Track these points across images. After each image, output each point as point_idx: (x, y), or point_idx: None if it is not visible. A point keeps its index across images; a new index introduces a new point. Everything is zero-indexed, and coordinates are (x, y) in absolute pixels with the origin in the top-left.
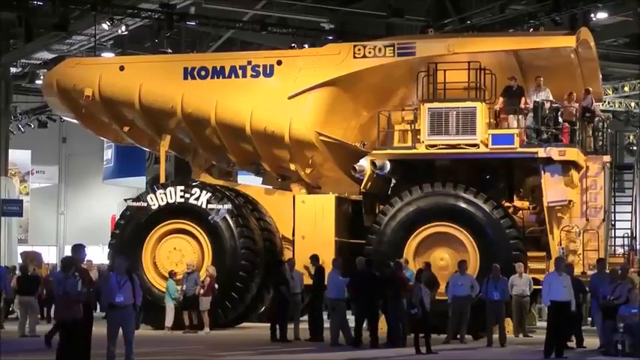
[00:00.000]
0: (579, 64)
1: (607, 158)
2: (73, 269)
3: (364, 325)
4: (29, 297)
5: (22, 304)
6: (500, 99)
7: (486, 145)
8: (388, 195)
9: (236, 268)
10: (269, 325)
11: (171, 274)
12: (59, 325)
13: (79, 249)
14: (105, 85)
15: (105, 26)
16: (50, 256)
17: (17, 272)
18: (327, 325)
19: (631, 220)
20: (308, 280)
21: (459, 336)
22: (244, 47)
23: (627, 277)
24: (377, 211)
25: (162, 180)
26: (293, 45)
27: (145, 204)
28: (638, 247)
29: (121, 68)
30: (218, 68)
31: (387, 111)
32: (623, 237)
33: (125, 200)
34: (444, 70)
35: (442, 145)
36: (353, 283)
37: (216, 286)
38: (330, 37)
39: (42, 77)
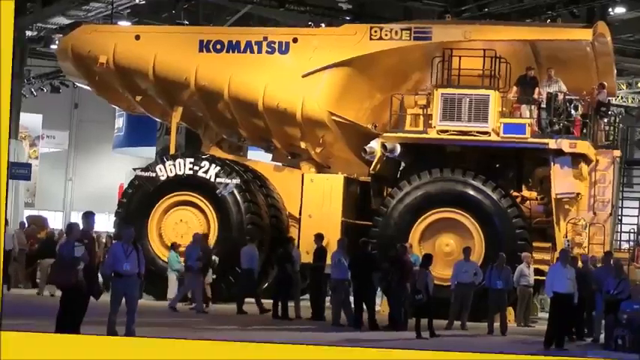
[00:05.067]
0: (595, 57)
1: (617, 153)
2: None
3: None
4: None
5: (44, 266)
6: (514, 88)
7: (498, 134)
8: (397, 178)
9: (241, 243)
10: (272, 301)
11: (174, 246)
12: None
13: (88, 217)
14: (120, 53)
15: None
16: (56, 221)
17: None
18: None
19: (638, 216)
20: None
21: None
22: (261, 23)
23: (623, 271)
24: (385, 193)
25: (172, 151)
26: (310, 23)
27: (154, 174)
28: None
29: (137, 37)
30: (234, 42)
31: (400, 94)
32: (629, 232)
33: (134, 169)
34: (459, 57)
35: (453, 131)
36: (352, 264)
37: (217, 259)
38: (348, 18)
39: (57, 42)
